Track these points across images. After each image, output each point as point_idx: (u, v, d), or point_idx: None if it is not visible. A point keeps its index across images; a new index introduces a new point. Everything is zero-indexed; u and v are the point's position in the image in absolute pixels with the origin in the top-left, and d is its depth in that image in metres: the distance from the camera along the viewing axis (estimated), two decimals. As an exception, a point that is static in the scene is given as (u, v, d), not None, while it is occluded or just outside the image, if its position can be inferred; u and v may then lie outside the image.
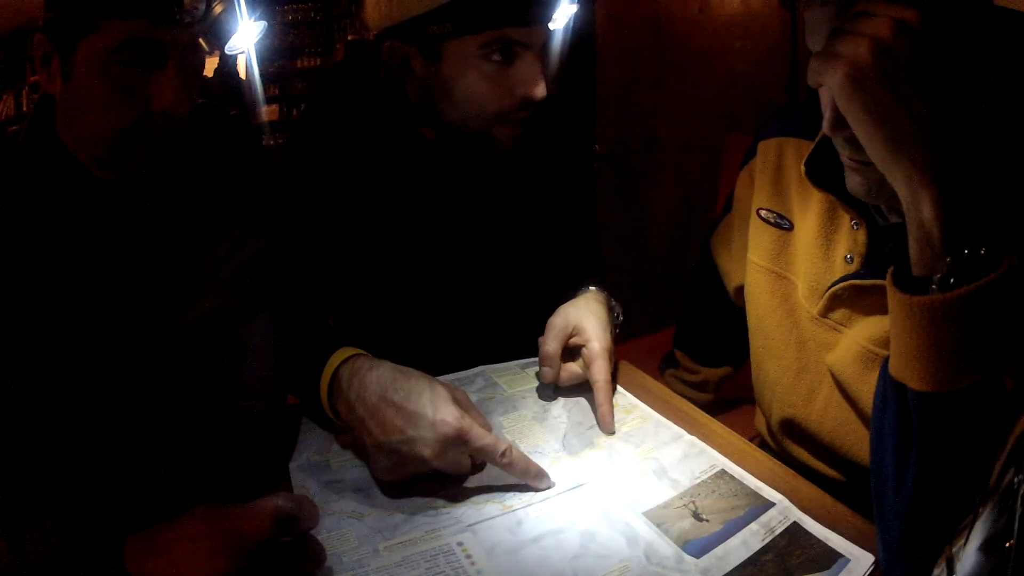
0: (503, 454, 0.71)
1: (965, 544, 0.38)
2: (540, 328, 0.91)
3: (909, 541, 0.56)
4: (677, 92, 2.53)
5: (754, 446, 0.83)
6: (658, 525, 0.67)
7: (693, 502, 0.70)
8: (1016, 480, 0.37)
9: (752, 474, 0.75)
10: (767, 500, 0.70)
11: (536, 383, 0.94)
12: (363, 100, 0.99)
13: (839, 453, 0.82)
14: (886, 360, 0.58)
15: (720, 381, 1.13)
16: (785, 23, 2.16)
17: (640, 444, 0.81)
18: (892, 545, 0.58)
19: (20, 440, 0.66)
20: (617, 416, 0.86)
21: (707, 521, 0.68)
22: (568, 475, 0.75)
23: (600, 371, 0.85)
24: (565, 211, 1.09)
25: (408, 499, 0.71)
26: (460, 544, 0.65)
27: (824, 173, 0.75)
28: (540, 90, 0.87)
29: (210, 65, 0.73)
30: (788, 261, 0.86)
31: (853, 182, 0.67)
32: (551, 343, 0.88)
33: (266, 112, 4.49)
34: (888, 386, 0.58)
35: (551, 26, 0.89)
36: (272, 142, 3.76)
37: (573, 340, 0.90)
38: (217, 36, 0.72)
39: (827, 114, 0.62)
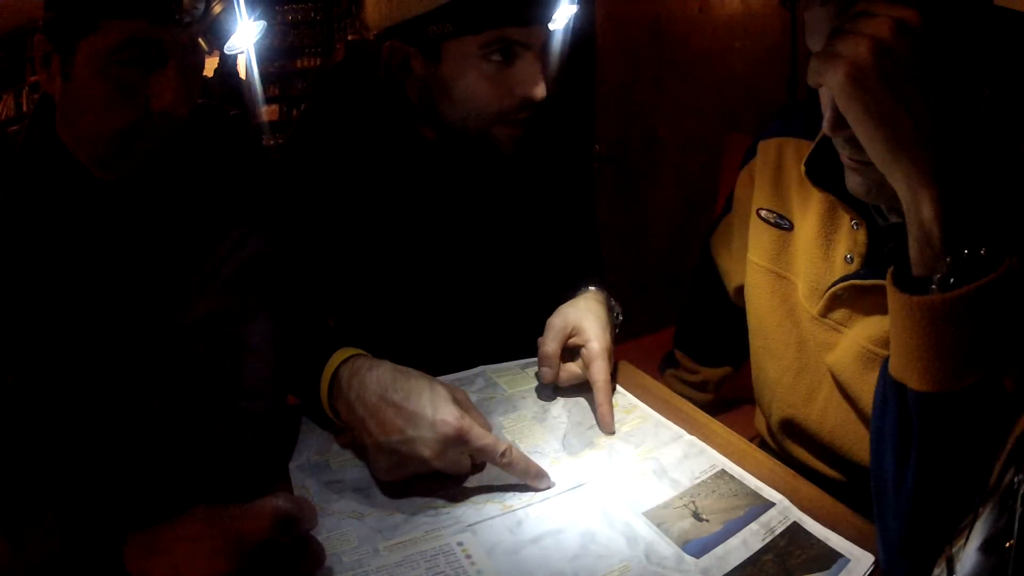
0: (503, 454, 0.71)
1: (965, 544, 0.38)
2: (540, 328, 0.91)
3: (909, 541, 0.56)
4: (677, 92, 2.53)
5: (754, 446, 0.83)
6: (658, 525, 0.67)
7: (693, 502, 0.70)
8: (1016, 480, 0.37)
9: (752, 474, 0.75)
10: (767, 500, 0.70)
11: (536, 383, 0.94)
12: (363, 100, 0.99)
13: (839, 453, 0.82)
14: (886, 360, 0.58)
15: (720, 381, 1.13)
16: (785, 23, 2.16)
17: (640, 444, 0.81)
18: (892, 545, 0.58)
19: (20, 440, 0.66)
20: (617, 416, 0.86)
21: (707, 521, 0.68)
22: (568, 475, 0.75)
23: (599, 371, 0.85)
24: (565, 211, 1.09)
25: (408, 499, 0.71)
26: (460, 544, 0.65)
27: (824, 173, 0.75)
28: (540, 90, 0.87)
29: (210, 65, 0.73)
30: (788, 261, 0.86)
31: (853, 182, 0.67)
32: (550, 343, 0.88)
33: (266, 112, 4.49)
34: (888, 386, 0.58)
35: (551, 26, 0.89)
36: (272, 142, 3.76)
37: (572, 340, 0.90)
38: (217, 36, 0.72)
39: (827, 114, 0.62)
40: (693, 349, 1.13)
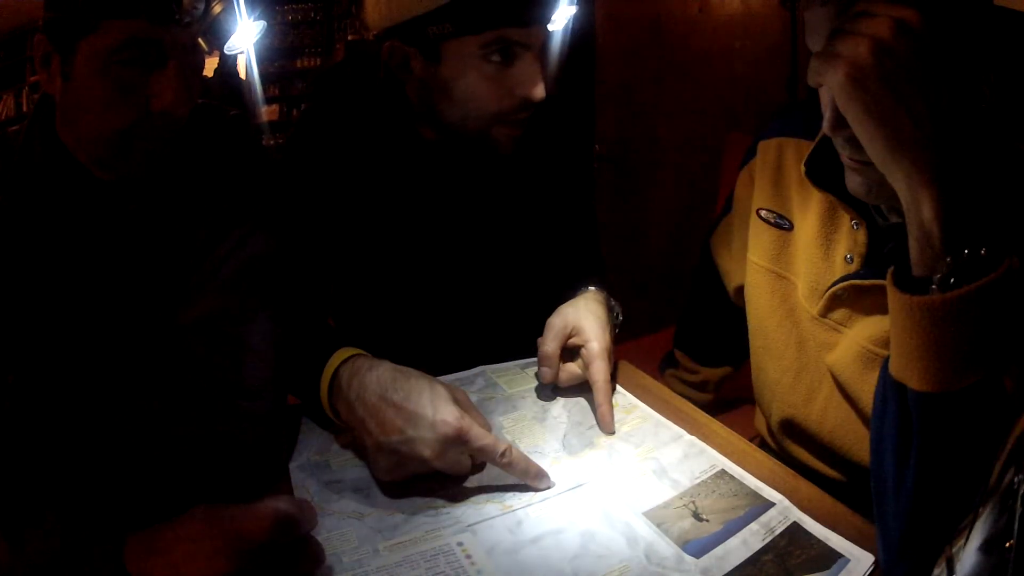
0: (503, 454, 0.71)
1: (965, 544, 0.38)
2: (540, 328, 0.91)
3: (909, 541, 0.56)
4: (677, 92, 2.53)
5: (754, 446, 0.83)
6: (658, 525, 0.67)
7: (693, 502, 0.70)
8: (1016, 480, 0.37)
9: (752, 474, 0.75)
10: (767, 500, 0.70)
11: (536, 383, 0.94)
12: (363, 100, 0.99)
13: (839, 453, 0.82)
14: (886, 360, 0.58)
15: (720, 381, 1.13)
16: (785, 23, 2.16)
17: (640, 444, 0.81)
18: (892, 545, 0.58)
19: (20, 440, 0.66)
20: (617, 416, 0.86)
21: (707, 521, 0.68)
22: (568, 475, 0.75)
23: (599, 371, 0.85)
24: (565, 211, 1.09)
25: (408, 499, 0.71)
26: (460, 544, 0.65)
27: (824, 173, 0.75)
28: (539, 91, 0.87)
29: (210, 65, 0.73)
30: (788, 261, 0.86)
31: (853, 182, 0.67)
32: (550, 343, 0.88)
33: (266, 112, 4.49)
34: (888, 386, 0.58)
35: (550, 27, 0.89)
36: (272, 142, 3.76)
37: (572, 340, 0.90)
38: (217, 36, 0.72)
39: (827, 114, 0.62)
40: (693, 349, 1.13)
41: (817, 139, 0.77)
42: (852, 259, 0.77)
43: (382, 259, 1.01)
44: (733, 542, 0.65)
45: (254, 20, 0.76)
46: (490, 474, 0.75)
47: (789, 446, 0.91)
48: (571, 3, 0.89)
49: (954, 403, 0.53)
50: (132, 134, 0.68)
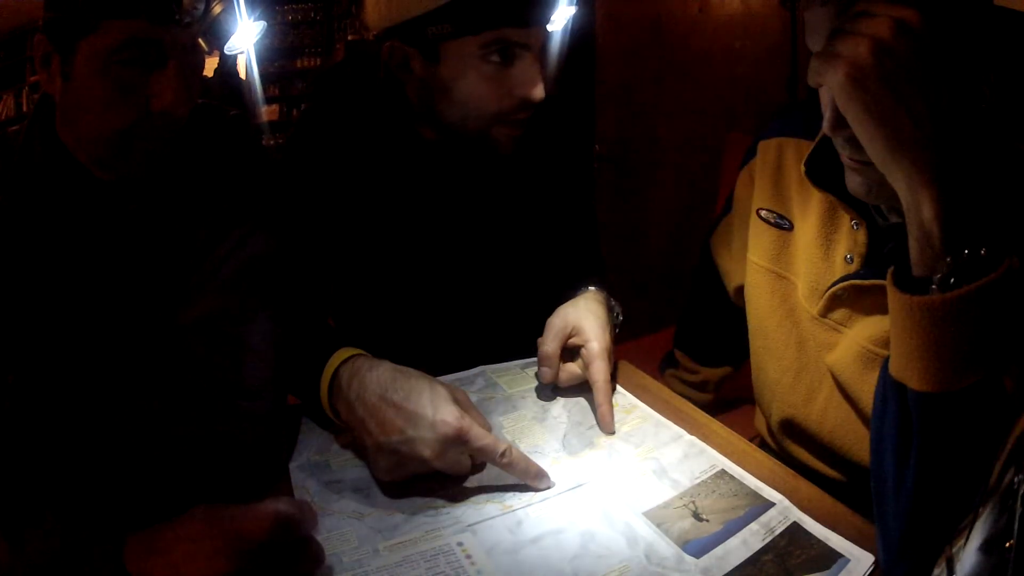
0: (503, 454, 0.71)
1: (965, 544, 0.38)
2: (540, 328, 0.91)
3: (909, 541, 0.56)
4: (677, 92, 2.53)
5: (754, 446, 0.83)
6: (658, 525, 0.67)
7: (693, 502, 0.70)
8: (1016, 480, 0.37)
9: (752, 474, 0.75)
10: (767, 500, 0.70)
11: (536, 383, 0.94)
12: (363, 100, 0.99)
13: (839, 453, 0.82)
14: (886, 360, 0.58)
15: (720, 381, 1.13)
16: (785, 23, 2.16)
17: (640, 444, 0.81)
18: (892, 545, 0.58)
19: (20, 440, 0.66)
20: (617, 416, 0.86)
21: (707, 521, 0.68)
22: (568, 475, 0.75)
23: (599, 371, 0.85)
24: (565, 211, 1.09)
25: (408, 499, 0.71)
26: (460, 544, 0.65)
27: (824, 173, 0.75)
28: (538, 91, 0.87)
29: (210, 65, 0.73)
30: (788, 261, 0.86)
31: (853, 182, 0.67)
32: (550, 344, 0.88)
33: (266, 112, 4.50)
34: (888, 386, 0.58)
35: (550, 27, 0.89)
36: (272, 142, 3.76)
37: (572, 340, 0.90)
38: (217, 36, 0.72)
39: (827, 114, 0.62)
40: (693, 349, 1.13)
41: (817, 139, 0.77)
42: (852, 259, 0.77)
43: (382, 259, 1.01)
44: (733, 542, 0.65)
45: (254, 20, 0.76)
46: (490, 474, 0.75)
47: (789, 446, 0.91)
48: (570, 3, 0.89)
49: (954, 403, 0.53)
50: (132, 134, 0.68)
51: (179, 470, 0.69)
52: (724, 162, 1.96)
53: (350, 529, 0.67)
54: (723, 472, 0.75)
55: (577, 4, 0.93)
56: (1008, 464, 0.39)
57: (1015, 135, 0.66)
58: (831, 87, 0.56)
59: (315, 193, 0.98)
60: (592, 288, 1.00)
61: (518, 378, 0.96)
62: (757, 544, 0.64)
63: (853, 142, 0.60)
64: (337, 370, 0.77)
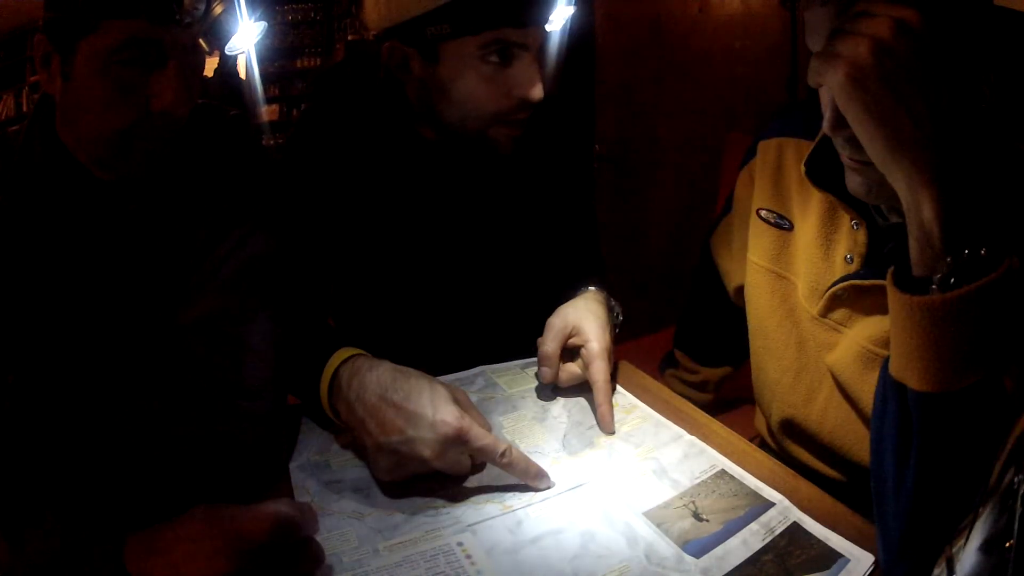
0: (503, 454, 0.71)
1: (965, 544, 0.38)
2: (540, 328, 0.91)
3: (909, 541, 0.56)
4: (677, 92, 2.53)
5: (754, 446, 0.83)
6: (658, 525, 0.67)
7: (693, 502, 0.70)
8: (1016, 480, 0.37)
9: (752, 474, 0.75)
10: (767, 500, 0.70)
11: (536, 383, 0.94)
12: (363, 100, 0.99)
13: (839, 453, 0.82)
14: (886, 360, 0.58)
15: (720, 381, 1.13)
16: (785, 23, 2.16)
17: (640, 444, 0.81)
18: (892, 545, 0.58)
19: (20, 440, 0.66)
20: (617, 416, 0.86)
21: (707, 521, 0.68)
22: (568, 475, 0.75)
23: (599, 371, 0.85)
24: (565, 211, 1.09)
25: (408, 499, 0.71)
26: (460, 544, 0.65)
27: (824, 173, 0.75)
28: (537, 92, 0.87)
29: (210, 65, 0.73)
30: (788, 261, 0.86)
31: (853, 182, 0.67)
32: (549, 344, 0.88)
33: (266, 112, 4.50)
34: (888, 386, 0.58)
35: (549, 27, 0.89)
36: (272, 142, 3.76)
37: (572, 340, 0.90)
38: (217, 36, 0.72)
39: (827, 114, 0.62)
40: (693, 349, 1.13)
41: (817, 139, 0.77)
42: (852, 259, 0.77)
43: (382, 259, 1.01)
44: (733, 542, 0.65)
45: (255, 21, 0.76)
46: (490, 474, 0.75)
47: (789, 446, 0.91)
48: (569, 3, 0.89)
49: (954, 403, 0.53)
50: (132, 134, 0.68)
51: (179, 470, 0.69)
52: (724, 162, 1.96)
53: (350, 529, 0.67)
54: (723, 472, 0.75)
55: (576, 4, 0.93)
56: (1008, 464, 0.39)
57: (1015, 135, 0.66)
58: (831, 87, 0.56)
59: (315, 193, 0.98)
60: (592, 288, 1.00)
61: (518, 378, 0.96)
62: (757, 544, 0.64)
63: (853, 142, 0.60)
64: (337, 370, 0.77)
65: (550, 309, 0.93)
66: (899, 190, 0.56)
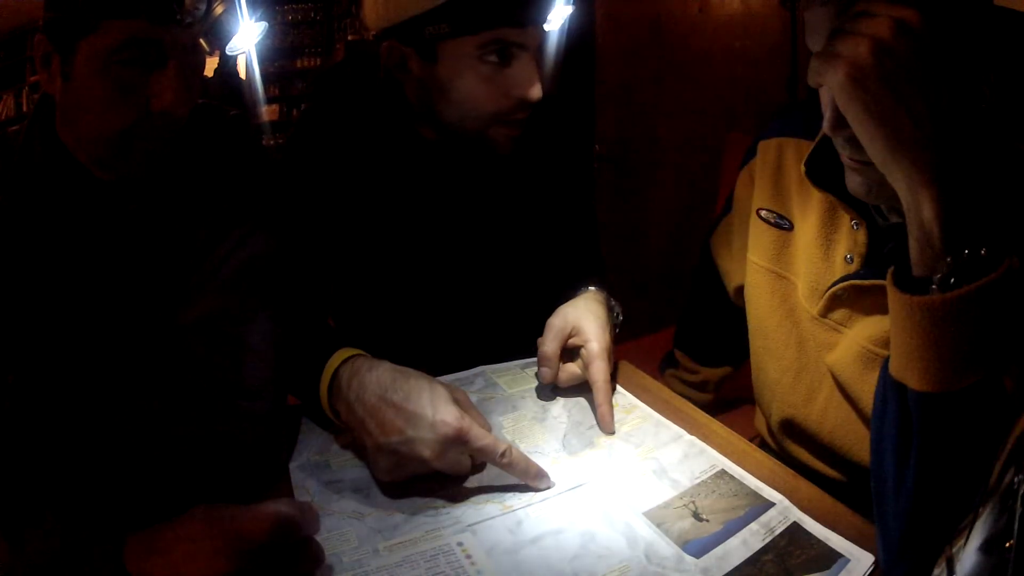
0: (503, 454, 0.70)
1: (965, 544, 0.38)
2: (540, 328, 0.91)
3: (909, 541, 0.56)
4: (677, 92, 2.53)
5: (754, 446, 0.83)
6: (658, 525, 0.67)
7: (693, 502, 0.70)
8: (1016, 480, 0.37)
9: (752, 474, 0.75)
10: (767, 500, 0.70)
11: (536, 383, 0.94)
12: (363, 100, 0.99)
13: (839, 453, 0.82)
14: (886, 360, 0.58)
15: (720, 381, 1.13)
16: (785, 23, 2.16)
17: (640, 444, 0.81)
18: (892, 545, 0.58)
19: (20, 440, 0.66)
20: (617, 416, 0.86)
21: (707, 521, 0.68)
22: (568, 475, 0.75)
23: (599, 371, 0.85)
24: (565, 211, 1.09)
25: (408, 499, 0.71)
26: (460, 544, 0.65)
27: (824, 173, 0.75)
28: (536, 91, 0.87)
29: (210, 65, 0.73)
30: (788, 261, 0.86)
31: (853, 182, 0.67)
32: (549, 344, 0.88)
33: (266, 112, 4.50)
34: (888, 386, 0.58)
35: (547, 27, 0.89)
36: (272, 142, 3.76)
37: (572, 340, 0.90)
38: (218, 36, 0.72)
39: (827, 114, 0.62)
40: (693, 349, 1.13)
41: (817, 139, 0.77)
42: (852, 259, 0.77)
43: (382, 259, 1.01)
44: (733, 542, 0.65)
45: (255, 21, 0.76)
46: (490, 474, 0.75)
47: (789, 446, 0.91)
48: (568, 3, 0.89)
49: (954, 403, 0.53)
50: (132, 134, 0.68)
51: (179, 470, 0.69)
52: (724, 162, 1.95)
53: (350, 529, 0.67)
54: (723, 472, 0.75)
55: (575, 4, 0.93)
56: (1008, 464, 0.39)
57: (1015, 135, 0.66)
58: (831, 87, 0.56)
59: (315, 193, 0.98)
60: (592, 288, 1.00)
61: (518, 378, 0.96)
62: (757, 544, 0.64)
63: (853, 142, 0.60)
64: (337, 370, 0.77)
65: (550, 309, 0.93)
66: (899, 190, 0.56)
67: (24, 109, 4.12)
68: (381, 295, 1.05)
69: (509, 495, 0.72)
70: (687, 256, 1.42)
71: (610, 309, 0.98)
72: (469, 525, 0.68)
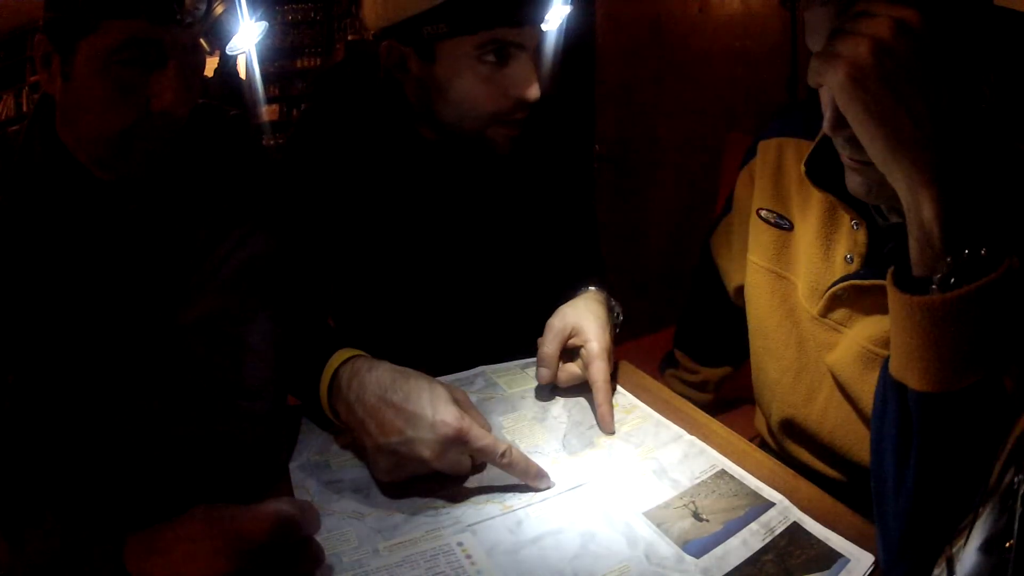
0: (503, 454, 0.70)
1: (965, 544, 0.38)
2: (540, 328, 0.91)
3: (909, 541, 0.56)
4: (677, 92, 2.53)
5: (754, 446, 0.83)
6: (658, 525, 0.67)
7: (693, 502, 0.70)
8: (1016, 480, 0.37)
9: (752, 474, 0.75)
10: (767, 500, 0.70)
11: (536, 383, 0.94)
12: (363, 100, 0.99)
13: (839, 453, 0.82)
14: (886, 360, 0.58)
15: (720, 381, 1.13)
16: (785, 23, 2.16)
17: (640, 444, 0.81)
18: (892, 545, 0.58)
19: (20, 440, 0.66)
20: (617, 416, 0.86)
21: (707, 521, 0.68)
22: (568, 475, 0.75)
23: (599, 371, 0.85)
24: (565, 211, 1.09)
25: (408, 499, 0.71)
26: (460, 544, 0.65)
27: (824, 173, 0.75)
28: (533, 92, 0.87)
29: (210, 65, 0.73)
30: (788, 261, 0.86)
31: (853, 182, 0.67)
32: (549, 344, 0.88)
33: (266, 112, 4.50)
34: (888, 386, 0.58)
35: (545, 27, 0.89)
36: (272, 142, 3.76)
37: (572, 341, 0.90)
38: (218, 36, 0.72)
39: (827, 114, 0.62)
40: (693, 349, 1.13)
41: (817, 139, 0.77)
42: (852, 259, 0.77)
43: (382, 259, 1.01)
44: (733, 542, 0.65)
45: (255, 21, 0.76)
46: (490, 474, 0.75)
47: (789, 446, 0.91)
48: (566, 3, 0.89)
49: (954, 403, 0.53)
50: (132, 134, 0.68)
51: (179, 470, 0.69)
52: (724, 162, 1.95)
53: (350, 529, 0.67)
54: (723, 472, 0.75)
55: (575, 4, 0.93)
56: (1008, 464, 0.39)
57: (1015, 135, 0.66)
58: (831, 87, 0.56)
59: (315, 193, 0.98)
60: (592, 288, 1.00)
61: (518, 378, 0.96)
62: (757, 544, 0.64)
63: (853, 142, 0.60)
64: (337, 371, 0.77)
65: (550, 309, 0.93)
66: (899, 190, 0.56)
67: (24, 109, 4.12)
68: (381, 295, 1.05)
69: (509, 495, 0.72)
70: (687, 256, 1.42)
71: (610, 309, 0.98)
72: (469, 525, 0.68)
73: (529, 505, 0.70)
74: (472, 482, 0.74)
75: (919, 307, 0.53)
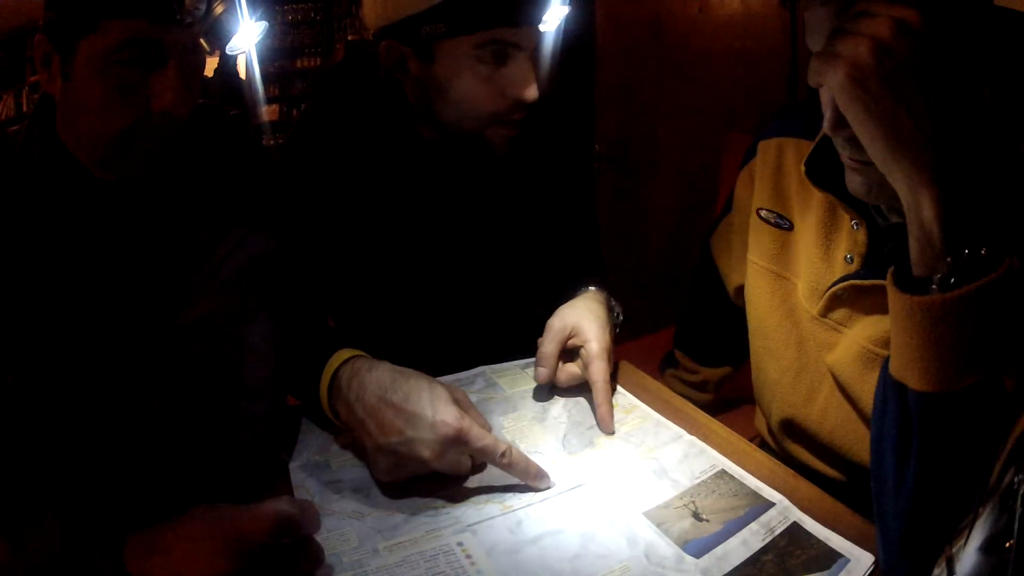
0: (503, 454, 0.70)
1: (965, 544, 0.38)
2: (540, 328, 0.91)
3: (909, 541, 0.56)
4: (677, 92, 2.53)
5: (754, 446, 0.83)
6: (658, 525, 0.67)
7: (693, 502, 0.70)
8: (1016, 480, 0.37)
9: (752, 474, 0.75)
10: (767, 500, 0.70)
11: (536, 383, 0.94)
12: (363, 100, 0.99)
13: (839, 453, 0.82)
14: (886, 360, 0.58)
15: (720, 381, 1.13)
16: (785, 23, 2.16)
17: (640, 444, 0.81)
18: (892, 545, 0.58)
19: (20, 440, 0.66)
20: (617, 416, 0.86)
21: (707, 521, 0.68)
22: (568, 475, 0.75)
23: (599, 371, 0.85)
24: (565, 211, 1.09)
25: (408, 499, 0.71)
26: (460, 544, 0.65)
27: (824, 173, 0.75)
28: (532, 92, 0.87)
29: (210, 65, 0.73)
30: (788, 261, 0.86)
31: (853, 182, 0.67)
32: (548, 344, 0.88)
33: (266, 112, 4.50)
34: (888, 386, 0.58)
35: (543, 27, 0.89)
36: (272, 142, 3.76)
37: (572, 341, 0.90)
38: (218, 36, 0.72)
39: (827, 114, 0.62)
40: (693, 349, 1.13)
41: (817, 139, 0.77)
42: (852, 259, 0.77)
43: (382, 259, 1.01)
44: (733, 542, 0.65)
45: (255, 21, 0.76)
46: (490, 474, 0.75)
47: (789, 446, 0.91)
48: (564, 3, 0.89)
49: (954, 403, 0.53)
50: (132, 134, 0.68)
51: (179, 470, 0.69)
52: (724, 162, 1.95)
53: (350, 529, 0.67)
54: (723, 472, 0.75)
55: (574, 4, 0.93)
56: (1008, 464, 0.39)
57: (1015, 135, 0.66)
58: (831, 87, 0.56)
59: (315, 193, 0.98)
60: (592, 288, 1.00)
61: (518, 378, 0.96)
62: (757, 544, 0.64)
63: (853, 142, 0.60)
64: (337, 371, 0.77)
65: (550, 309, 0.93)
66: (899, 190, 0.56)
67: (24, 109, 4.12)
68: (381, 295, 1.05)
69: (509, 495, 0.72)
70: (687, 256, 1.42)
71: (610, 309, 0.98)
72: (469, 525, 0.68)
73: (529, 505, 0.70)
74: (472, 482, 0.74)
75: (919, 307, 0.53)
